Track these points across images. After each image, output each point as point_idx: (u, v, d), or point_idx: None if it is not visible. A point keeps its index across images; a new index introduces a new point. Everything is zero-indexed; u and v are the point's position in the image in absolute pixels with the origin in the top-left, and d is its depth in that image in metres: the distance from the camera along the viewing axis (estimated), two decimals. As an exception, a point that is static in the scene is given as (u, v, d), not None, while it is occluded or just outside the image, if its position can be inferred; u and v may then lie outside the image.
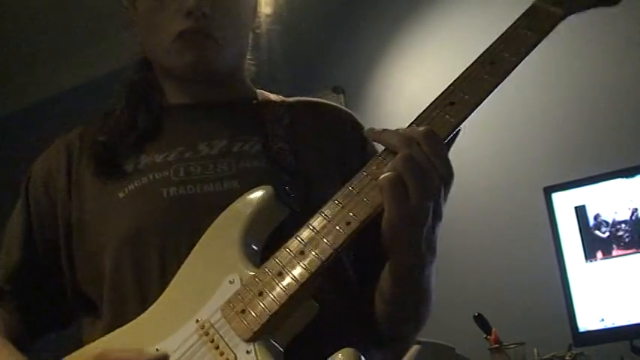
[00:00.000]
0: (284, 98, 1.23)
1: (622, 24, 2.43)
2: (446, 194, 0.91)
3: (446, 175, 0.89)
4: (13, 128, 3.91)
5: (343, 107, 1.26)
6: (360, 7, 3.10)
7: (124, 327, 0.98)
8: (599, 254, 2.07)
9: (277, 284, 0.89)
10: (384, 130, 0.93)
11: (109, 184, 1.08)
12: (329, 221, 0.90)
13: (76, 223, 1.09)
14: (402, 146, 0.88)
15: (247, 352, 0.87)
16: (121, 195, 1.06)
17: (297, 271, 0.89)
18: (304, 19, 2.93)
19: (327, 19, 3.09)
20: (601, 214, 2.09)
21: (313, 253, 0.89)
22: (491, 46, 0.99)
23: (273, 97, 1.22)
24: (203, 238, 1.00)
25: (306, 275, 0.88)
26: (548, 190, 2.19)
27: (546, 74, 2.55)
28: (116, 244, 1.03)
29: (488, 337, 2.09)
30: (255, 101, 1.20)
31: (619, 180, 2.10)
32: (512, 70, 0.96)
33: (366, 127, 1.28)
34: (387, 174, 0.86)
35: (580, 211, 2.12)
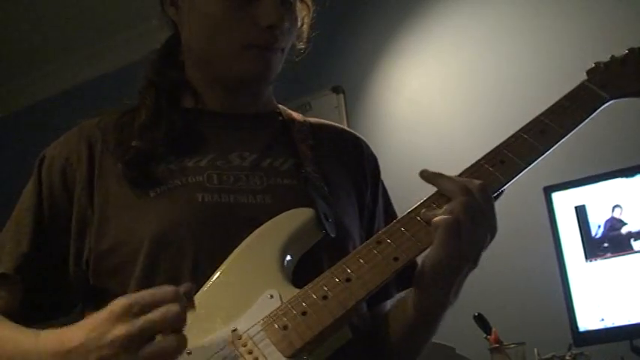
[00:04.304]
0: (305, 118, 1.24)
1: (622, 26, 2.43)
2: (487, 245, 0.98)
3: (492, 228, 0.98)
4: (13, 128, 3.92)
5: (362, 137, 1.28)
6: (360, 7, 3.10)
7: None
8: (599, 254, 2.07)
9: (323, 307, 0.92)
10: (440, 174, 0.99)
11: (137, 181, 1.07)
12: (377, 254, 0.96)
13: (98, 216, 1.06)
14: (458, 193, 0.94)
15: None
16: (152, 194, 1.05)
17: (343, 296, 0.93)
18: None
19: (326, 19, 3.08)
20: (601, 213, 2.09)
21: (360, 282, 0.94)
22: (542, 114, 1.10)
23: (295, 114, 1.23)
24: (242, 246, 1.01)
25: (353, 302, 0.93)
26: (548, 190, 2.19)
27: (546, 74, 2.55)
28: (148, 243, 1.01)
29: (488, 337, 2.08)
30: (280, 117, 1.21)
31: (619, 180, 2.10)
32: (559, 141, 1.08)
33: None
34: (445, 216, 0.93)
35: (580, 211, 2.12)
